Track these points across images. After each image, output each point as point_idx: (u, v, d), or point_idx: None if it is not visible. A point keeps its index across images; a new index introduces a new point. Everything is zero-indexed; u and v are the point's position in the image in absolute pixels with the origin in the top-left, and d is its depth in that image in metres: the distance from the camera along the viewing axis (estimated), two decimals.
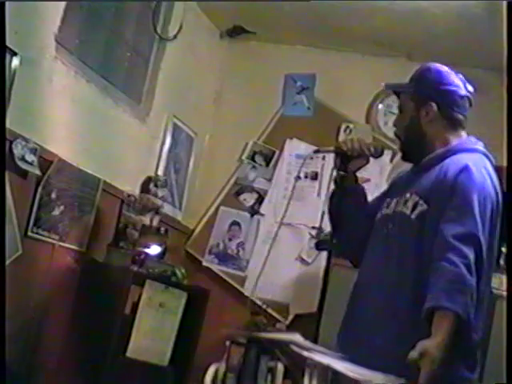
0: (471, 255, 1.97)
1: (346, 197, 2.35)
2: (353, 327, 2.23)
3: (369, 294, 2.20)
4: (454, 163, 2.15)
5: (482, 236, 2.01)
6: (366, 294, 2.22)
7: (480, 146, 2.26)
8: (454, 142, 2.24)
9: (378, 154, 2.34)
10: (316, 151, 2.38)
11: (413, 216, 2.14)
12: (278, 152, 4.46)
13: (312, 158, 4.31)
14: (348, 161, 2.31)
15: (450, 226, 2.02)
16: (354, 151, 2.28)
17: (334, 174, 2.39)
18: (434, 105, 2.22)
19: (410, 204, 2.16)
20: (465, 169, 2.11)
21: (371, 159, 2.37)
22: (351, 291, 2.34)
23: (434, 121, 2.23)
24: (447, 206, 2.08)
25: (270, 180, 4.44)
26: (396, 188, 2.35)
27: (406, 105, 2.27)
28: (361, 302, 2.23)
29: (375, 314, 2.14)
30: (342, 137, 4.32)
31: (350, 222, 2.36)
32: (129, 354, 3.39)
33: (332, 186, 2.43)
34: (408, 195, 2.19)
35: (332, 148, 2.35)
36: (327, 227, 2.59)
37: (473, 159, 2.16)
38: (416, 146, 2.27)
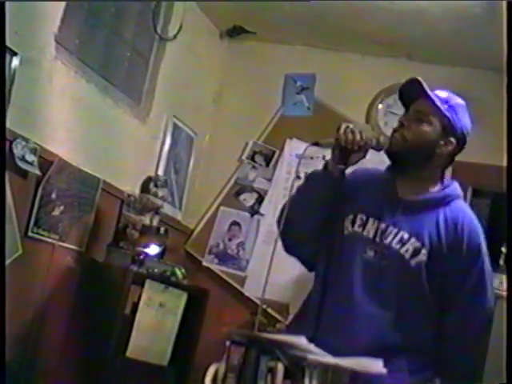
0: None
1: (335, 188, 2.20)
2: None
3: (352, 323, 2.12)
4: (457, 212, 2.19)
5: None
6: (346, 323, 2.13)
7: None
8: (447, 182, 2.24)
9: (381, 147, 2.21)
10: (315, 144, 2.27)
11: (412, 263, 2.12)
12: (278, 152, 4.46)
13: (312, 158, 4.31)
14: (348, 154, 2.18)
15: (468, 308, 2.16)
16: (355, 144, 2.15)
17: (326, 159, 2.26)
18: (454, 143, 2.19)
19: (409, 248, 2.12)
20: (470, 222, 2.19)
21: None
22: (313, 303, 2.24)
23: (445, 155, 2.21)
24: (459, 267, 2.14)
25: (270, 180, 4.44)
26: (369, 201, 2.22)
27: (433, 121, 2.16)
28: (340, 326, 2.13)
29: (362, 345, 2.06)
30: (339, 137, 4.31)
31: (322, 212, 2.22)
32: (129, 354, 3.39)
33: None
34: (406, 236, 2.13)
35: (332, 140, 2.22)
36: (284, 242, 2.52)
37: (470, 212, 2.23)
38: (415, 163, 2.20)
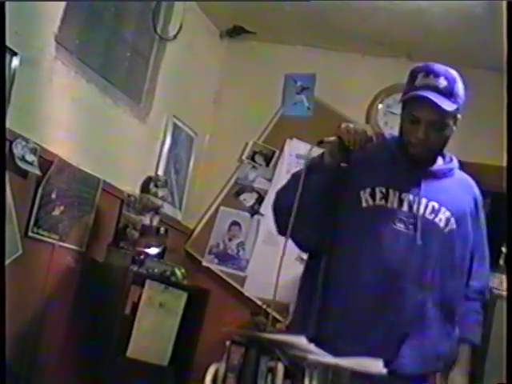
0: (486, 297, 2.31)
1: (332, 183, 2.20)
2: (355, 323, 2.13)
3: (384, 311, 2.12)
4: (473, 188, 2.32)
5: None
6: (374, 311, 2.12)
7: None
8: (448, 154, 2.32)
9: (382, 144, 2.22)
10: (320, 142, 2.25)
11: (446, 231, 2.18)
12: (278, 152, 4.46)
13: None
14: (349, 152, 2.18)
15: (478, 276, 2.28)
16: (357, 143, 2.14)
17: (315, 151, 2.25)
18: (460, 116, 2.22)
19: (442, 217, 2.18)
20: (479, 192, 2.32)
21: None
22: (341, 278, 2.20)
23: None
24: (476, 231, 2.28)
25: (270, 180, 4.44)
26: (385, 173, 2.22)
27: (448, 122, 2.18)
28: (374, 301, 2.12)
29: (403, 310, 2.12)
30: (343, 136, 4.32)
31: (322, 202, 2.21)
32: (129, 354, 3.39)
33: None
34: (436, 205, 2.18)
35: (335, 139, 2.20)
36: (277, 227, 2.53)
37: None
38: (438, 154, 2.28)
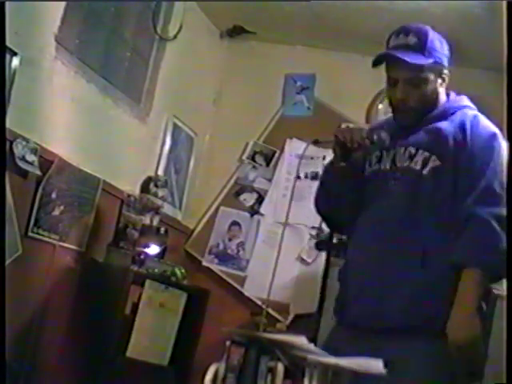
0: (501, 208, 1.97)
1: (344, 184, 2.24)
2: (368, 287, 2.12)
3: (382, 250, 2.10)
4: (463, 118, 2.16)
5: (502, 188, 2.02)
6: (376, 252, 2.12)
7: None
8: (452, 98, 2.25)
9: (383, 143, 2.19)
10: (315, 142, 2.28)
11: (424, 172, 2.11)
12: (278, 152, 4.46)
13: (312, 158, 4.32)
14: (349, 152, 2.19)
15: (476, 181, 2.04)
16: (354, 142, 2.14)
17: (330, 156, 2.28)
18: (447, 72, 2.21)
19: (418, 159, 2.12)
20: (477, 120, 2.15)
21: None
22: (348, 252, 2.26)
23: (443, 84, 2.23)
24: (465, 155, 2.09)
25: (270, 180, 4.44)
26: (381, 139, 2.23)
27: (426, 77, 2.15)
28: (370, 261, 2.13)
29: (394, 268, 2.08)
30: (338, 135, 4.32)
31: (342, 201, 2.26)
32: (129, 354, 3.39)
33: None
34: (413, 150, 2.13)
35: (332, 139, 2.21)
36: (327, 227, 2.55)
37: (479, 117, 2.20)
38: (427, 110, 2.20)
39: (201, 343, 3.80)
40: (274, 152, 4.47)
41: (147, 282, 3.46)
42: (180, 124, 4.29)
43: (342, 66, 4.45)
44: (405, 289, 2.04)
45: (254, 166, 4.48)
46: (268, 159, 4.47)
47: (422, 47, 2.16)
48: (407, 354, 1.98)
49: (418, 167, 2.12)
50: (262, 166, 4.47)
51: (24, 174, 2.99)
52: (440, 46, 2.20)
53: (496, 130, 2.17)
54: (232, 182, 4.49)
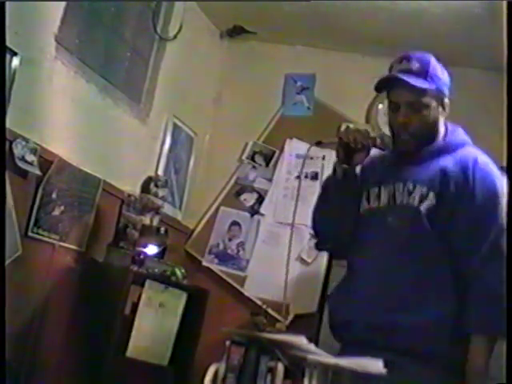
0: (502, 264, 1.98)
1: (345, 190, 2.27)
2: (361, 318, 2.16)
3: (379, 287, 2.14)
4: (465, 160, 2.16)
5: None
6: (373, 288, 2.15)
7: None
8: (450, 129, 2.25)
9: (386, 146, 2.23)
10: (318, 143, 2.29)
11: (421, 208, 2.11)
12: (278, 152, 4.46)
13: (312, 158, 4.32)
14: (352, 153, 2.21)
15: (483, 237, 2.06)
16: (358, 142, 2.18)
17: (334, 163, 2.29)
18: (447, 101, 2.22)
19: (416, 195, 2.12)
20: (480, 165, 2.15)
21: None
22: (342, 285, 2.30)
23: (443, 114, 2.23)
24: (467, 202, 2.09)
25: (270, 180, 4.44)
26: (378, 174, 2.26)
27: (427, 103, 2.17)
28: (368, 295, 2.16)
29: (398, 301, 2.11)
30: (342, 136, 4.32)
31: (341, 213, 2.28)
32: (129, 354, 3.39)
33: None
34: (411, 185, 2.14)
35: (335, 140, 2.24)
36: (318, 247, 2.55)
37: (480, 153, 2.20)
38: (427, 140, 2.20)
39: (201, 343, 3.80)
40: (274, 152, 4.47)
41: (147, 282, 3.46)
42: (180, 124, 4.29)
43: (342, 66, 4.44)
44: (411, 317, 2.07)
45: (253, 166, 4.48)
46: (268, 159, 4.47)
47: (424, 73, 2.18)
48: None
49: (416, 203, 2.12)
50: (262, 166, 4.47)
51: (24, 174, 2.99)
52: (442, 74, 2.23)
53: (497, 172, 2.17)
54: (232, 182, 4.49)
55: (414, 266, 2.12)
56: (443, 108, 2.22)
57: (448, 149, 2.20)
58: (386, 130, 4.35)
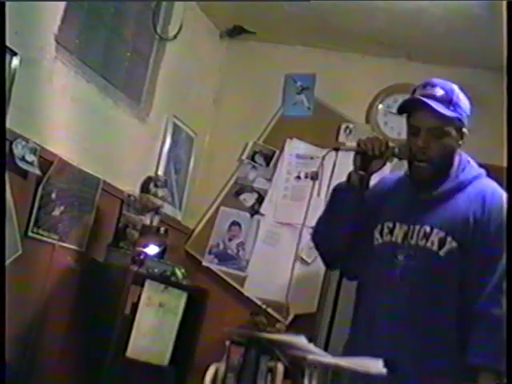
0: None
1: (356, 197, 2.25)
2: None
3: (393, 330, 2.14)
4: (482, 194, 2.17)
5: None
6: (386, 331, 2.15)
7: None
8: (463, 165, 2.24)
9: (404, 156, 2.21)
10: (336, 149, 2.29)
11: (441, 253, 2.12)
12: (278, 152, 4.46)
13: (312, 158, 4.32)
14: (369, 161, 2.21)
15: (490, 274, 2.07)
16: (376, 151, 2.17)
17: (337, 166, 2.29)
18: (466, 131, 2.22)
19: (434, 239, 2.13)
20: (496, 198, 2.16)
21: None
22: (357, 321, 2.29)
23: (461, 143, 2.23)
24: (482, 239, 2.11)
25: (270, 180, 4.44)
26: (395, 208, 2.25)
27: (449, 131, 2.16)
28: (381, 335, 2.16)
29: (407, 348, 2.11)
30: (342, 136, 4.33)
31: (345, 223, 2.27)
32: (129, 354, 3.39)
33: (333, 186, 2.33)
34: (428, 228, 2.14)
35: (353, 146, 2.25)
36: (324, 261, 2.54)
37: (493, 185, 2.21)
38: (444, 169, 2.20)
39: (201, 343, 3.80)
40: (274, 152, 4.46)
41: (147, 282, 3.46)
42: (180, 124, 4.29)
43: (341, 66, 4.44)
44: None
45: (253, 166, 4.48)
46: (268, 159, 4.47)
47: (448, 101, 2.17)
48: None
49: (435, 248, 2.13)
50: (262, 166, 4.47)
51: (24, 174, 2.99)
52: (464, 103, 2.22)
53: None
54: (232, 182, 4.49)
55: (425, 310, 2.13)
56: (461, 137, 2.21)
57: (462, 186, 2.20)
58: (386, 130, 4.38)
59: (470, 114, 2.24)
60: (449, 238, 2.12)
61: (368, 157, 2.21)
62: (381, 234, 2.23)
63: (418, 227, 2.16)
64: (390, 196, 2.31)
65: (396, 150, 2.21)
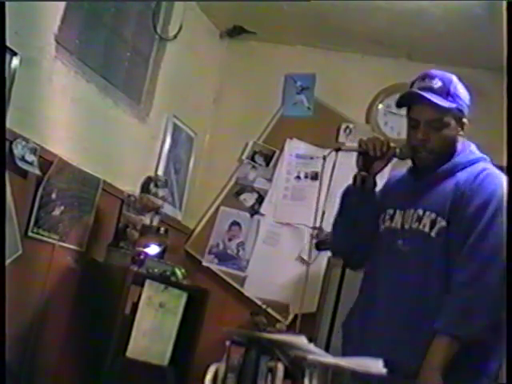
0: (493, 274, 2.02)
1: (363, 199, 2.29)
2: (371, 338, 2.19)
3: (390, 313, 2.17)
4: (472, 173, 2.18)
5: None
6: (385, 314, 2.19)
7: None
8: (461, 149, 2.25)
9: (405, 156, 2.25)
10: (337, 149, 2.31)
11: (433, 234, 2.15)
12: (278, 152, 4.46)
13: (312, 158, 4.32)
14: (371, 161, 2.24)
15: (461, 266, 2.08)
16: (378, 151, 2.20)
17: (355, 171, 2.32)
18: (467, 121, 2.24)
19: (426, 221, 2.16)
20: (483, 176, 2.17)
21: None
22: (359, 306, 2.32)
23: (461, 132, 2.25)
24: (467, 215, 2.12)
25: (270, 180, 4.44)
26: (396, 197, 2.30)
27: (448, 121, 2.19)
28: (380, 318, 2.19)
29: (401, 325, 2.14)
30: (342, 137, 4.33)
31: (359, 225, 2.31)
32: (129, 354, 3.39)
33: (335, 188, 2.35)
34: (420, 211, 2.17)
35: (354, 146, 2.28)
36: (327, 227, 2.55)
37: (490, 166, 2.23)
38: (445, 157, 2.22)
39: (201, 343, 3.80)
40: (274, 152, 4.47)
41: (147, 282, 3.46)
42: (180, 124, 4.29)
43: (341, 66, 4.44)
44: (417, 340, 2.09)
45: (253, 166, 4.48)
46: (268, 159, 4.47)
47: (446, 92, 2.19)
48: None
49: (427, 229, 2.16)
50: (262, 166, 4.47)
51: (24, 174, 2.99)
52: (463, 93, 2.24)
53: (499, 183, 2.15)
54: (232, 182, 4.49)
55: (420, 292, 2.14)
56: (461, 127, 2.23)
57: (455, 169, 2.22)
58: (386, 130, 4.38)
59: (470, 103, 2.25)
60: (439, 218, 2.15)
61: (370, 157, 2.23)
62: (383, 221, 2.27)
63: (412, 211, 2.20)
64: (394, 186, 2.37)
65: (398, 150, 2.23)
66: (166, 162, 4.17)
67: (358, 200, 2.29)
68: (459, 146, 2.25)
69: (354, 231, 2.32)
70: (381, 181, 2.37)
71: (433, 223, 2.15)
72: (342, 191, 2.37)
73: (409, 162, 2.33)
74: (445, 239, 2.13)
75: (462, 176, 2.19)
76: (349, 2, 3.81)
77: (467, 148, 2.28)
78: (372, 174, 2.28)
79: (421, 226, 2.17)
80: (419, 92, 2.18)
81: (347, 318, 2.38)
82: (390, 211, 2.26)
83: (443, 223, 2.14)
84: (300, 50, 4.53)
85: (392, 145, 2.24)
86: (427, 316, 2.10)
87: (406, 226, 2.20)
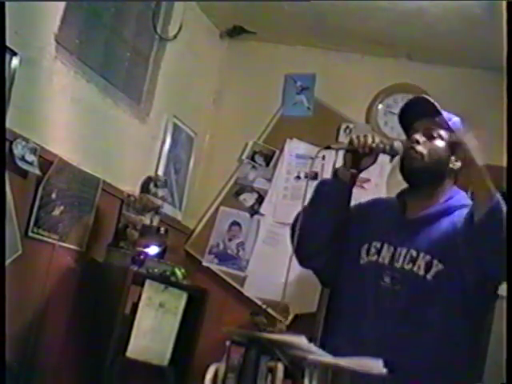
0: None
1: (347, 195, 2.26)
2: None
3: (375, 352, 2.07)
4: (461, 214, 2.15)
5: None
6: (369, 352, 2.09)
7: None
8: (453, 193, 2.25)
9: (395, 152, 2.22)
10: (327, 147, 2.29)
11: (428, 277, 2.11)
12: (278, 152, 4.46)
13: (312, 158, 4.32)
14: (360, 158, 2.21)
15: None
16: (367, 148, 2.17)
17: (336, 166, 2.28)
18: (457, 166, 2.23)
19: (421, 263, 2.12)
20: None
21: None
22: (341, 332, 2.24)
23: (455, 171, 2.24)
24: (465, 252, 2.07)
25: (270, 180, 4.44)
26: (383, 229, 2.24)
27: (444, 136, 2.21)
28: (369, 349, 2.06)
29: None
30: (342, 137, 4.32)
31: (331, 220, 2.26)
32: (129, 354, 3.39)
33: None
34: (414, 253, 2.14)
35: (344, 145, 2.26)
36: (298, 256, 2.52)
37: None
38: (430, 180, 2.21)
39: (201, 343, 3.80)
40: (274, 152, 4.47)
41: (147, 282, 3.46)
42: (180, 124, 4.29)
43: (341, 66, 4.44)
44: None
45: (253, 166, 4.48)
46: (268, 159, 4.47)
47: (440, 112, 2.22)
48: None
49: (422, 272, 2.11)
50: (262, 166, 4.47)
51: (24, 174, 2.99)
52: (457, 124, 2.26)
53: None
54: (232, 182, 4.49)
55: (413, 334, 2.10)
56: (451, 154, 2.21)
57: (450, 210, 2.20)
58: (386, 130, 4.38)
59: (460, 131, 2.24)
60: (435, 261, 2.11)
61: (358, 154, 2.20)
62: (367, 252, 2.22)
63: (404, 250, 2.16)
64: (378, 215, 2.31)
65: (387, 146, 2.21)
66: (166, 162, 4.17)
67: (337, 193, 2.25)
68: (448, 184, 2.24)
69: (320, 223, 2.25)
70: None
71: (428, 266, 2.11)
72: (319, 181, 2.33)
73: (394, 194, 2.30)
74: (442, 283, 2.10)
75: (454, 218, 2.16)
76: (349, 2, 3.81)
77: (461, 193, 2.27)
78: (360, 170, 2.25)
79: (415, 268, 2.13)
80: (423, 96, 2.22)
81: (330, 339, 2.26)
82: (377, 245, 2.21)
83: (440, 266, 2.10)
84: (300, 50, 4.53)
85: (382, 141, 2.22)
86: (423, 358, 2.06)
87: (397, 265, 2.15)
